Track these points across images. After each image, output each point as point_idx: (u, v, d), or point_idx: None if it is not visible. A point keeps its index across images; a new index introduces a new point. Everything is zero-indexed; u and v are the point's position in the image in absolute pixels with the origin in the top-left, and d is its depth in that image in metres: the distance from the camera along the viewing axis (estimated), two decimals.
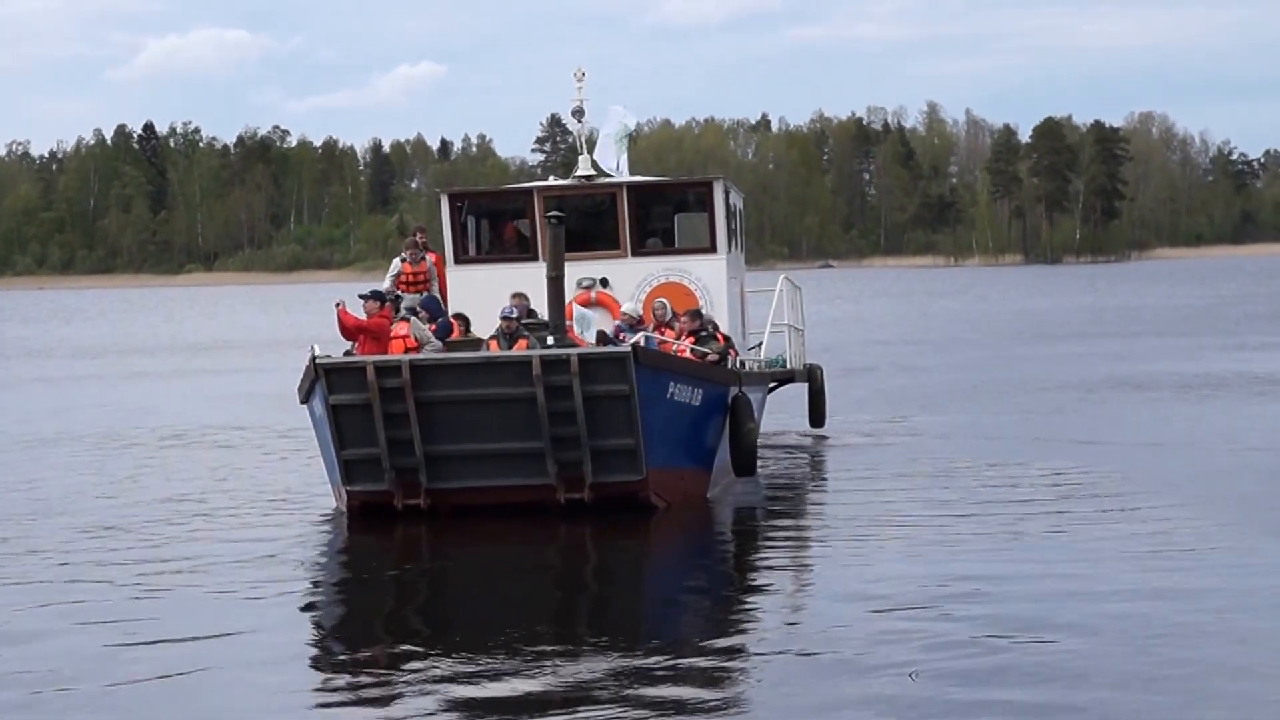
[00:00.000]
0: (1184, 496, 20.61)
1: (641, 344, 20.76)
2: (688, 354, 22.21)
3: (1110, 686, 11.82)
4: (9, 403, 40.88)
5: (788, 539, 19.37)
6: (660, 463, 20.39)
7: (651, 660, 12.95)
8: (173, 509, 21.75)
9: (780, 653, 13.24)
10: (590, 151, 26.55)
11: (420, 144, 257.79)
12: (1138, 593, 14.93)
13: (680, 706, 11.65)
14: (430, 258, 24.76)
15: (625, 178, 26.32)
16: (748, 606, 15.44)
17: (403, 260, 24.36)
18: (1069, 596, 14.90)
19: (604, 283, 25.27)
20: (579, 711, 11.47)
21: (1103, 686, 11.82)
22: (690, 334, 22.95)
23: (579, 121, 26.71)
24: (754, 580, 16.87)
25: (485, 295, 23.74)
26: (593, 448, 19.95)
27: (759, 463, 24.62)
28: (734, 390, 22.43)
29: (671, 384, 20.62)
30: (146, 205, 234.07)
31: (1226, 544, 17.28)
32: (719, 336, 23.36)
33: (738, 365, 23.97)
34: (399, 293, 23.49)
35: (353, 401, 19.96)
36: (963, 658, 12.75)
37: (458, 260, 25.60)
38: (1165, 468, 23.54)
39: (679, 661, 12.95)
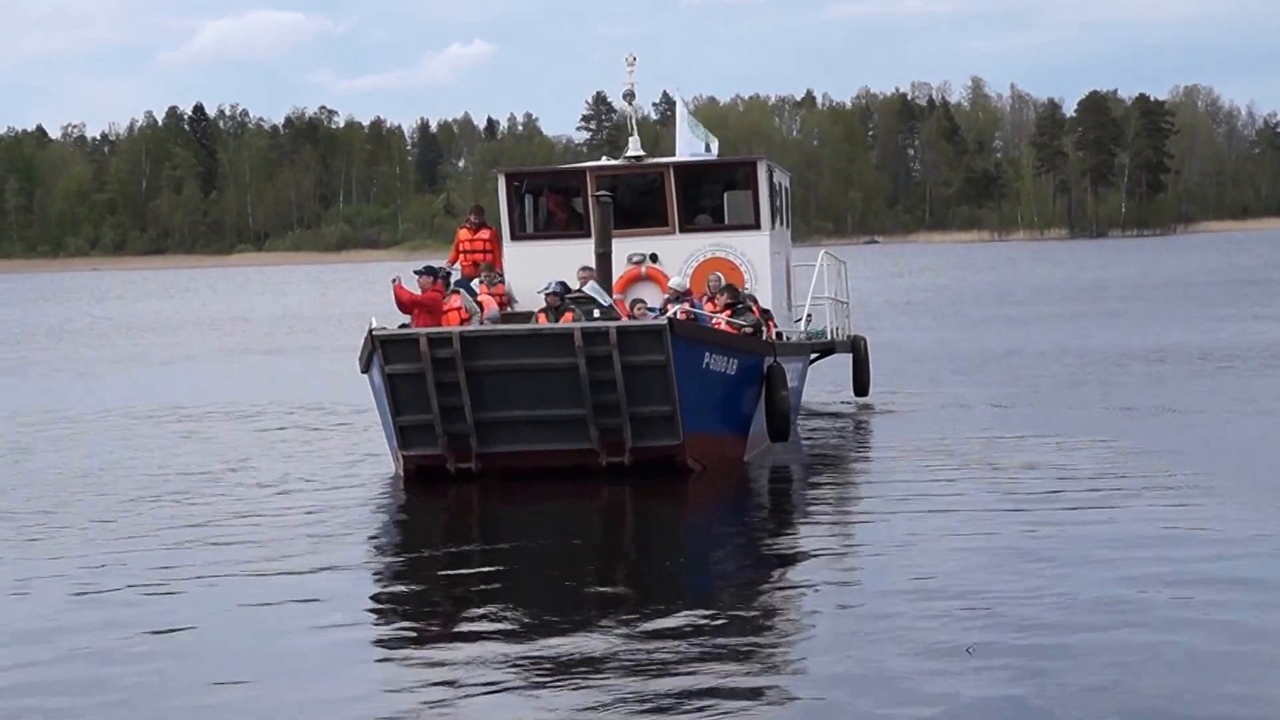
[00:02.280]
0: (1238, 472, 20.31)
1: (682, 317, 22.00)
2: (723, 326, 23.41)
3: (1169, 665, 11.66)
4: (92, 380, 42.24)
5: (823, 503, 20.07)
6: (697, 428, 21.41)
7: (692, 621, 13.32)
8: (240, 473, 22.92)
9: (825, 619, 13.40)
10: (648, 141, 27.94)
11: (467, 123, 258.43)
12: (1194, 568, 14.76)
13: (728, 671, 11.81)
14: (486, 233, 26.22)
15: (675, 158, 27.67)
16: (787, 572, 15.66)
17: (461, 226, 25.87)
18: (1119, 570, 14.71)
19: (653, 258, 26.46)
20: (619, 672, 11.86)
21: (1161, 665, 11.68)
22: (726, 307, 24.16)
23: (629, 104, 28.07)
24: (792, 545, 17.18)
25: (540, 270, 24.93)
26: (632, 414, 21.03)
27: (802, 429, 25.66)
28: (769, 360, 23.44)
29: (707, 354, 21.67)
30: (197, 186, 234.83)
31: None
32: (754, 309, 24.55)
33: (773, 337, 25.13)
34: (450, 269, 24.80)
35: (407, 371, 21.10)
36: (1020, 633, 12.59)
37: (514, 237, 26.86)
38: (1215, 441, 23.37)
39: (722, 624, 13.26)
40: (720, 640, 12.77)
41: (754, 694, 11.34)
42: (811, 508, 19.89)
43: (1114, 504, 18.35)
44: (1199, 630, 12.67)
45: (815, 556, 16.23)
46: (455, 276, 24.61)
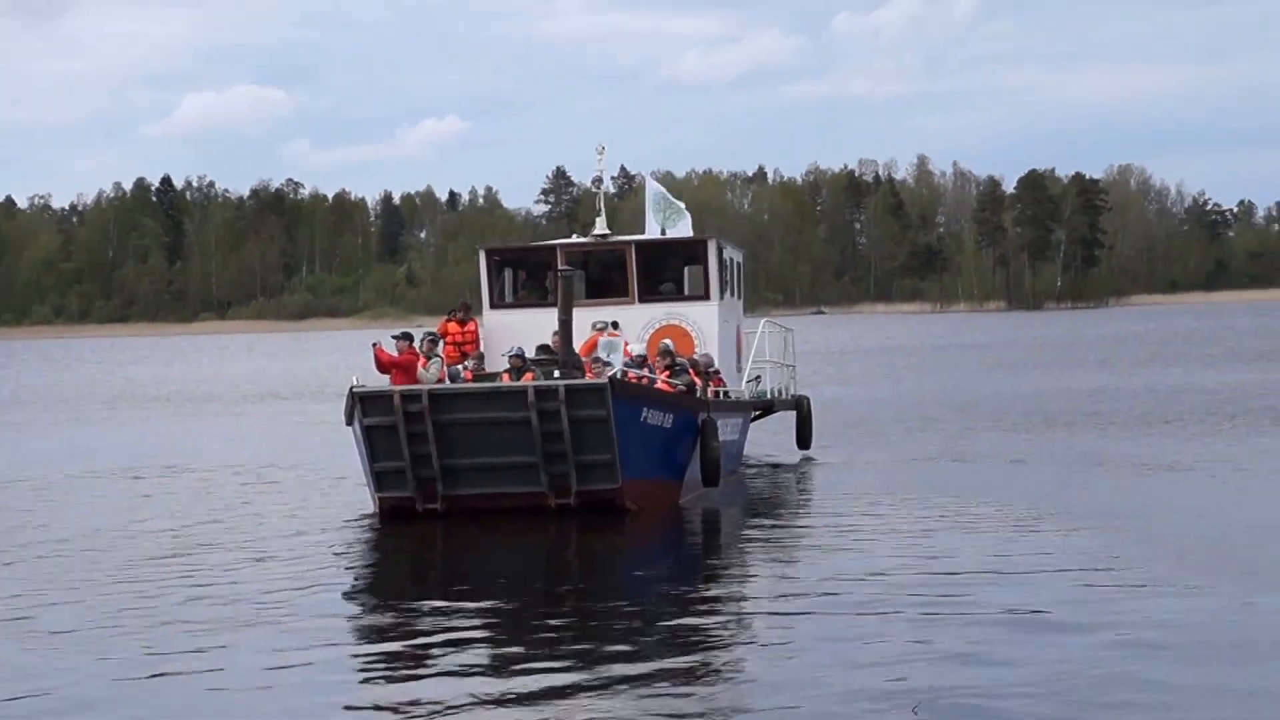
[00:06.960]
0: (1132, 525, 21.67)
1: (620, 377, 25.11)
2: (660, 385, 26.52)
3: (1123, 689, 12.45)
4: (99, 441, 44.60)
5: (746, 539, 22.32)
6: (635, 474, 24.29)
7: (633, 641, 14.89)
8: (237, 514, 25.67)
9: (753, 649, 14.66)
10: (606, 215, 31.64)
11: (429, 196, 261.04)
12: (1131, 612, 15.72)
13: (668, 691, 12.93)
14: (472, 325, 29.25)
15: (637, 236, 31.35)
16: (711, 595, 17.58)
17: (447, 319, 28.79)
18: (1062, 611, 15.63)
19: (615, 325, 29.43)
20: (569, 688, 13.12)
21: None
22: (665, 369, 27.32)
23: (597, 190, 32.35)
24: (713, 571, 19.67)
25: (515, 335, 28.14)
26: (577, 462, 23.97)
27: (743, 477, 28.67)
28: (702, 415, 26.28)
29: (645, 409, 24.62)
30: (163, 256, 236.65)
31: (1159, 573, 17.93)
32: (690, 371, 27.68)
33: (709, 395, 28.17)
34: (434, 334, 27.39)
35: (382, 423, 24.11)
36: (957, 679, 13.17)
37: (493, 305, 30.34)
38: (1133, 496, 24.97)
39: (659, 646, 14.74)
40: (659, 662, 14.08)
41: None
42: (734, 541, 22.56)
43: (1048, 550, 19.63)
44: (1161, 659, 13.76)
45: (735, 583, 18.58)
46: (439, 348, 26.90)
